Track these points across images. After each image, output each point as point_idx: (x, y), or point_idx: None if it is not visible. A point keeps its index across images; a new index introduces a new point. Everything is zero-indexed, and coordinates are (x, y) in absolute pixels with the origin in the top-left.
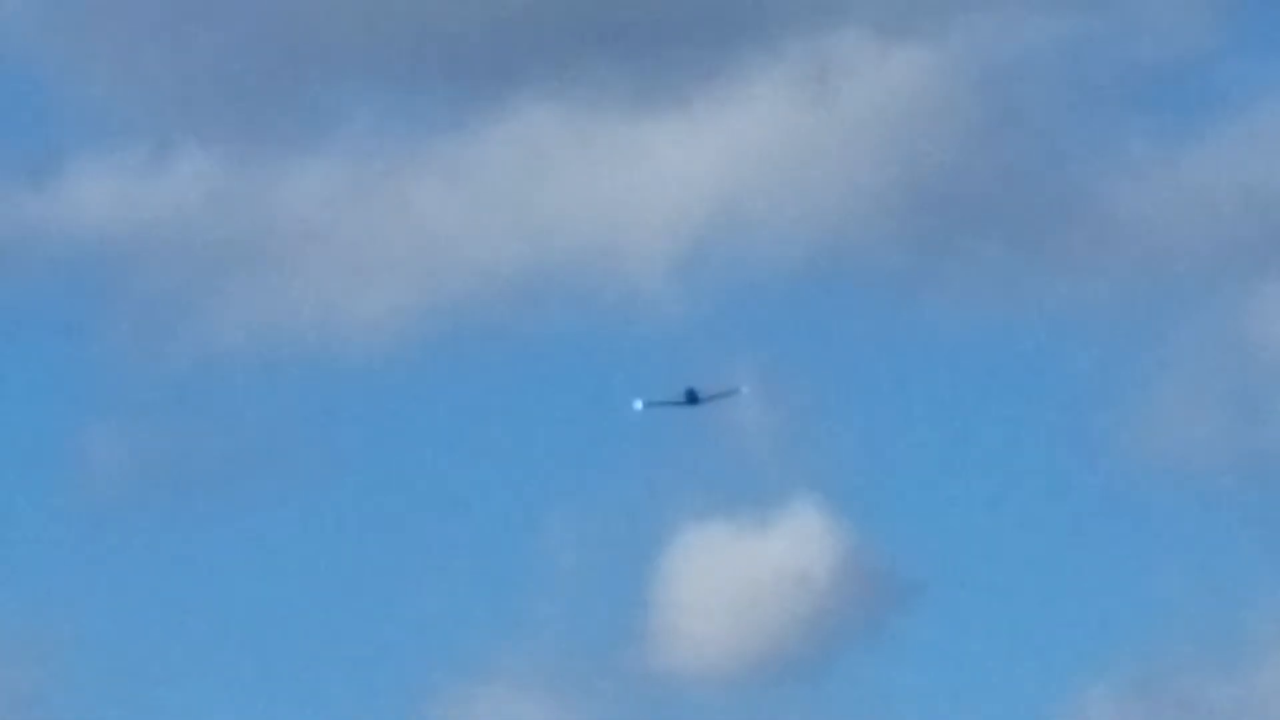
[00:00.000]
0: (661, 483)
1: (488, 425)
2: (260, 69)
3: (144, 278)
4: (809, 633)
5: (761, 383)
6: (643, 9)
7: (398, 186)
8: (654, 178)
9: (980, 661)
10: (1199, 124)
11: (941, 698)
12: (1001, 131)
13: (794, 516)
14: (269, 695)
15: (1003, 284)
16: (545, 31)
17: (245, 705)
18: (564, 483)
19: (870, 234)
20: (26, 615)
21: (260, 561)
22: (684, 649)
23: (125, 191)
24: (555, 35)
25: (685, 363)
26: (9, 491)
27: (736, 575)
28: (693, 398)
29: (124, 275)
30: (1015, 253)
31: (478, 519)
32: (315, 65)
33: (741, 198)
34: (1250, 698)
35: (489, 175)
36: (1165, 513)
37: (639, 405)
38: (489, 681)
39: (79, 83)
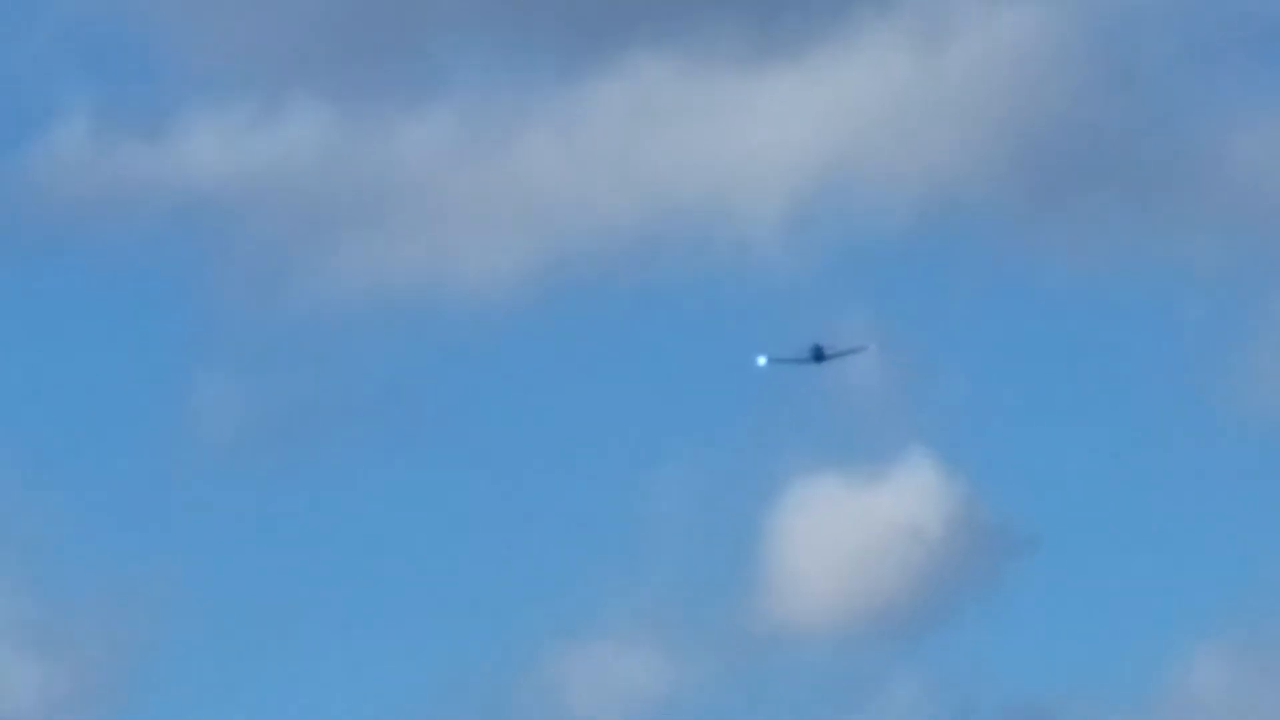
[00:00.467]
0: (775, 437)
1: (598, 377)
2: (371, 24)
3: (256, 229)
4: (921, 587)
5: (874, 337)
6: None
7: (508, 140)
8: (766, 132)
9: (1091, 617)
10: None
11: (1053, 653)
12: (1111, 87)
13: (907, 471)
14: (378, 641)
15: (1114, 238)
16: None
17: (354, 650)
18: (678, 436)
19: (981, 189)
20: (141, 560)
21: (370, 510)
22: (797, 603)
23: (238, 145)
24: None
25: (796, 318)
26: (124, 438)
27: (850, 529)
28: (819, 354)
29: (237, 227)
30: (1126, 207)
31: (592, 470)
32: (426, 20)
33: (853, 153)
34: None
35: (600, 129)
36: (1277, 469)
37: (762, 361)
38: (601, 634)
39: (194, 38)
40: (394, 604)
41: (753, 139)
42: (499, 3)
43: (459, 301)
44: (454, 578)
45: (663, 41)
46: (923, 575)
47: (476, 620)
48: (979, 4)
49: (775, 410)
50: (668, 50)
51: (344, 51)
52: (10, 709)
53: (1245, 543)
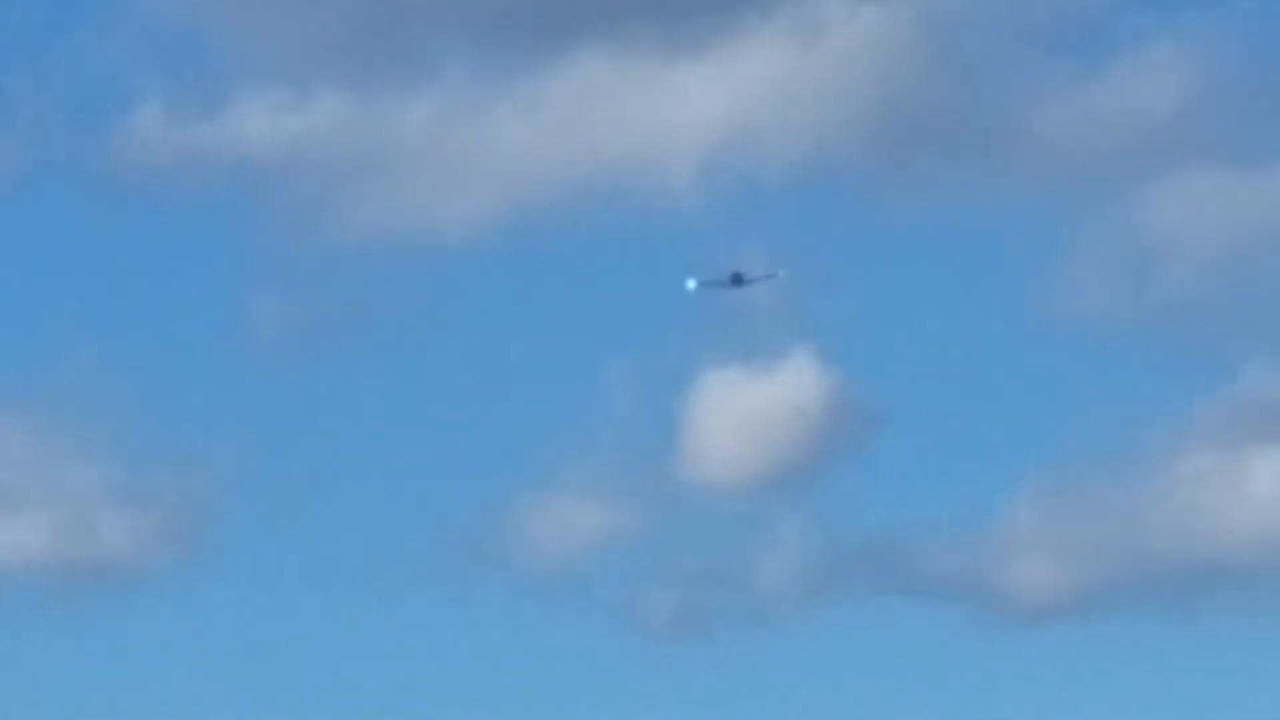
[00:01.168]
0: (695, 339)
1: (557, 295)
2: (378, 26)
3: (292, 185)
4: (803, 452)
5: (769, 264)
6: None
7: (482, 116)
8: (682, 108)
9: (934, 472)
10: (1100, 62)
11: (905, 501)
12: (949, 70)
13: (795, 365)
14: (390, 495)
15: (949, 185)
16: (574, 6)
17: (371, 501)
18: (620, 341)
19: (848, 151)
20: (206, 436)
21: (379, 397)
22: (709, 464)
23: (277, 120)
24: (581, 7)
25: (710, 250)
26: (193, 344)
27: (750, 409)
28: (738, 280)
29: (277, 183)
30: (961, 165)
31: (554, 365)
32: (420, 23)
33: (750, 123)
34: (1143, 497)
35: (553, 107)
36: (1079, 357)
37: (691, 284)
38: (558, 489)
39: (242, 36)
40: (399, 467)
41: (672, 113)
42: (476, 9)
43: (445, 238)
44: (445, 447)
45: (601, 39)
46: (805, 443)
47: (463, 478)
48: (843, 6)
49: (695, 320)
50: (605, 46)
51: (358, 47)
52: (103, 554)
53: (1052, 411)
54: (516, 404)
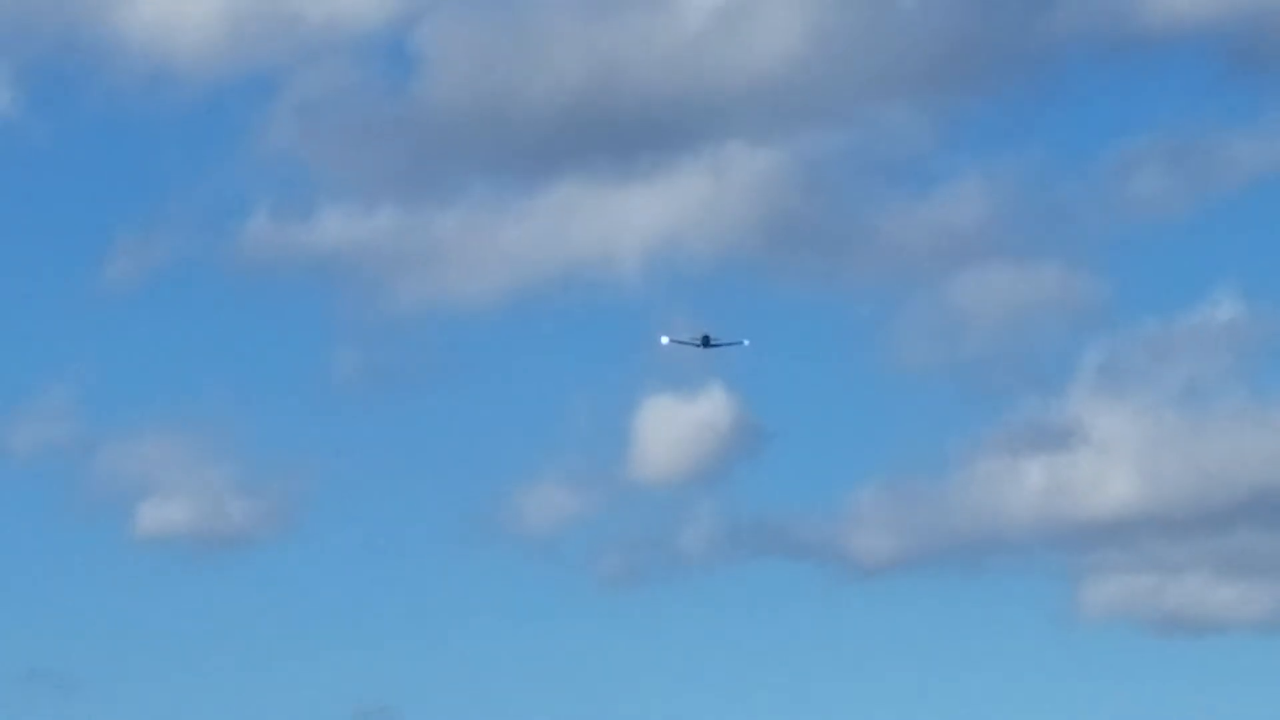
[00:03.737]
0: (640, 375)
1: (543, 349)
2: (421, 158)
3: (362, 272)
4: (713, 456)
5: (694, 329)
6: (612, 133)
7: (494, 223)
8: (630, 219)
9: (805, 471)
10: (925, 188)
11: (785, 491)
12: (819, 193)
13: (709, 394)
14: (424, 486)
15: (819, 276)
16: (559, 143)
17: (411, 493)
18: (585, 378)
19: (749, 250)
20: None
21: (421, 421)
22: (648, 465)
23: (351, 223)
24: (565, 144)
25: (650, 318)
26: (289, 386)
27: (678, 425)
28: (707, 341)
29: (351, 270)
30: (827, 259)
31: (539, 395)
32: (451, 158)
33: (679, 230)
34: (948, 489)
35: (542, 217)
36: (905, 392)
37: (665, 340)
38: (540, 480)
39: (326, 163)
40: (431, 467)
41: (623, 222)
42: (489, 149)
43: (467, 309)
44: (463, 451)
45: (574, 170)
46: (716, 450)
47: (474, 473)
48: (745, 149)
49: (640, 363)
50: (576, 175)
51: (407, 172)
52: (229, 529)
53: (887, 429)
54: (513, 422)
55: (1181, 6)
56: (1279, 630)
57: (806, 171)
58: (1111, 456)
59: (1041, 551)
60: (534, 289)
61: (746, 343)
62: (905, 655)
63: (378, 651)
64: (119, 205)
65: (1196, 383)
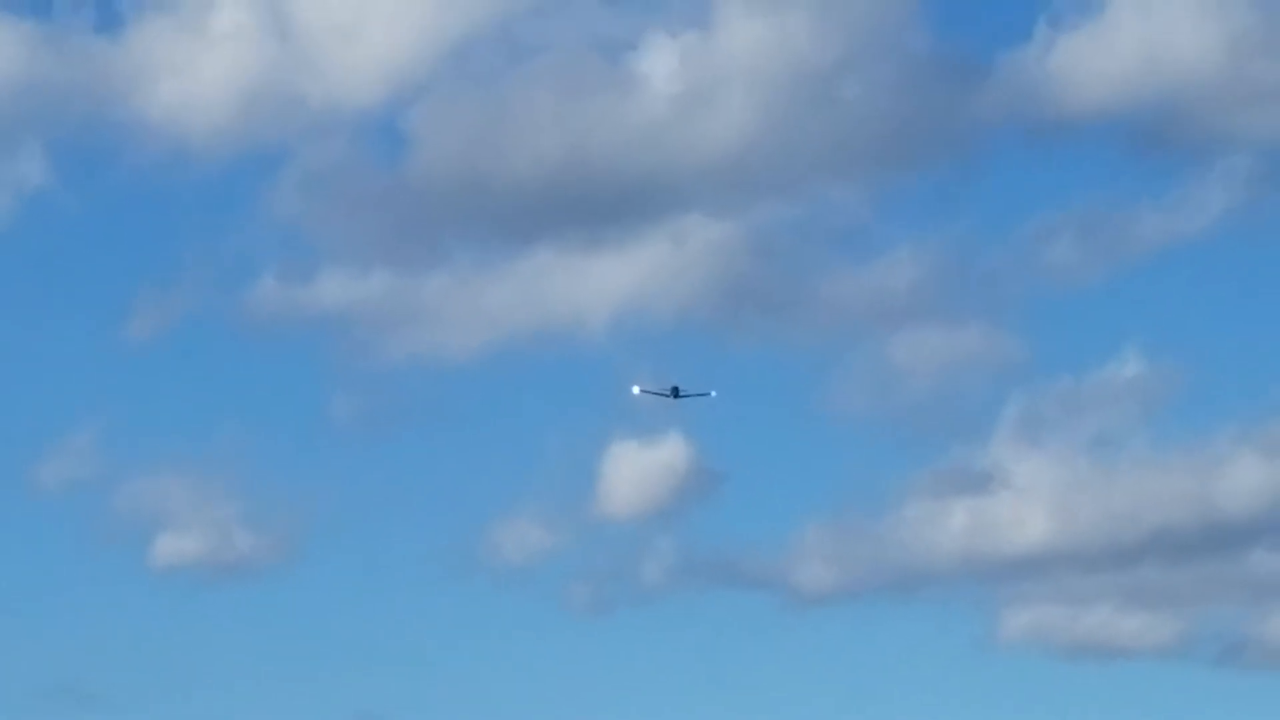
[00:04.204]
0: (607, 425)
1: (521, 398)
2: (412, 226)
3: (358, 328)
4: (672, 495)
5: (658, 382)
6: (583, 206)
7: (478, 285)
8: (600, 283)
9: (755, 510)
10: (864, 255)
11: (737, 528)
12: (769, 259)
13: (669, 441)
14: (411, 521)
15: (771, 334)
16: (536, 214)
17: (399, 527)
18: (559, 424)
19: (705, 312)
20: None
21: (409, 461)
22: (615, 503)
23: (348, 284)
24: (541, 216)
25: (616, 373)
26: (292, 428)
27: (641, 470)
28: (676, 392)
29: (348, 327)
30: (777, 319)
31: (517, 439)
32: (439, 226)
33: (643, 294)
34: (883, 527)
35: (520, 280)
36: (845, 438)
37: (636, 390)
38: (517, 515)
39: (325, 230)
40: (418, 504)
41: (593, 286)
42: (473, 219)
43: (452, 363)
44: (447, 489)
45: (549, 238)
46: (675, 490)
47: (456, 509)
48: (702, 221)
49: (609, 411)
50: (551, 242)
51: (399, 238)
52: (237, 559)
53: (828, 472)
54: (492, 464)
55: (1094, 93)
56: (1177, 656)
57: (758, 241)
58: (1029, 499)
59: (965, 584)
60: (512, 344)
61: (713, 394)
62: (844, 676)
63: (369, 669)
64: (140, 267)
65: (1105, 433)
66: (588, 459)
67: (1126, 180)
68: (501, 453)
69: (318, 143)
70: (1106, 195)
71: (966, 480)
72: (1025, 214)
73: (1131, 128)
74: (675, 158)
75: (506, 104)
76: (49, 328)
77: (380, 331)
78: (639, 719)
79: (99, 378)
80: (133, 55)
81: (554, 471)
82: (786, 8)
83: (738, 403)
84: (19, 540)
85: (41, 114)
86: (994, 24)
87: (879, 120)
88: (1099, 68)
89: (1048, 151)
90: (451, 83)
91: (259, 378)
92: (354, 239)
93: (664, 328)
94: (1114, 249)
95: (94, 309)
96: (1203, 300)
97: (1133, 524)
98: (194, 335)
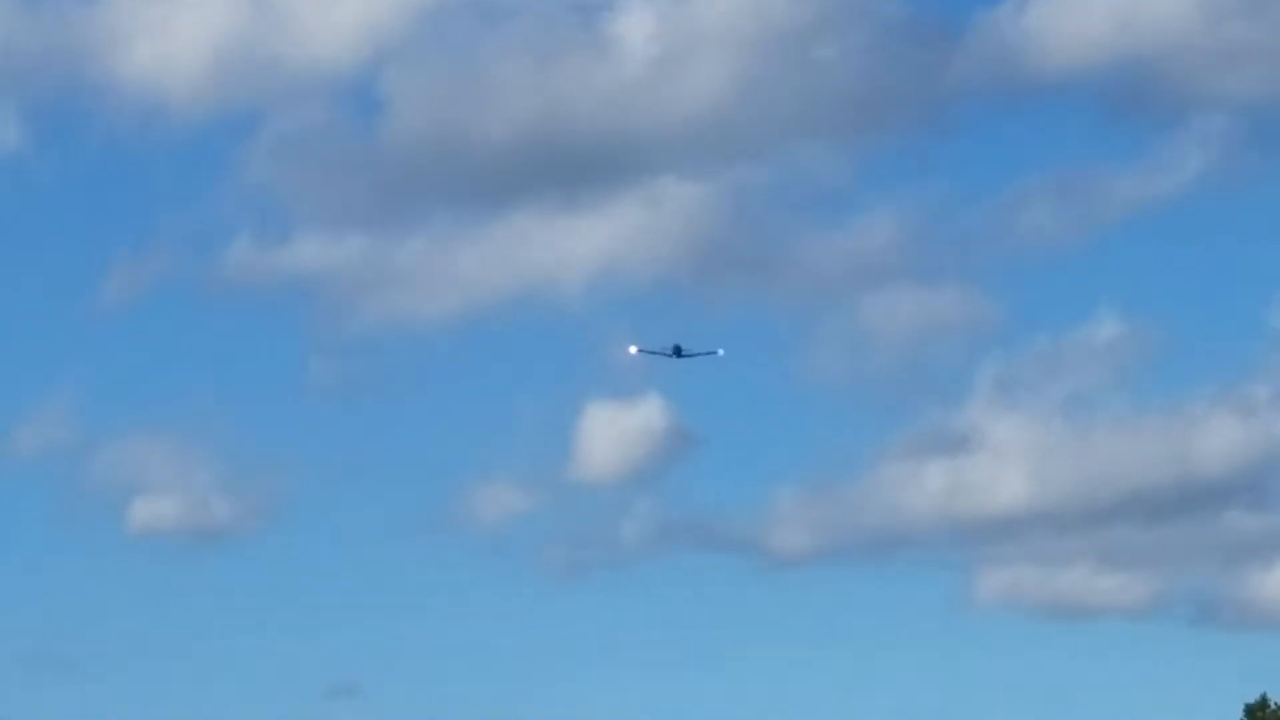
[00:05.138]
0: (583, 386)
1: (498, 360)
2: (387, 189)
3: (334, 291)
4: (651, 459)
5: (633, 336)
6: (558, 169)
7: (453, 249)
8: (575, 245)
9: (732, 473)
10: (838, 218)
11: (714, 491)
12: (743, 222)
13: (647, 402)
14: (389, 483)
15: (746, 296)
16: (511, 177)
17: (378, 490)
18: (535, 386)
19: (680, 274)
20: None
21: (386, 423)
22: (592, 465)
23: (323, 248)
24: (516, 179)
25: (591, 335)
26: (270, 391)
27: (618, 430)
28: (679, 351)
29: (324, 290)
30: (752, 281)
31: (493, 403)
32: (414, 189)
33: (618, 256)
34: (859, 490)
35: (496, 244)
36: (822, 402)
37: (633, 349)
38: (492, 480)
39: (300, 193)
40: (395, 465)
41: (568, 249)
42: (449, 182)
43: (429, 325)
44: (424, 452)
45: (525, 201)
46: (652, 453)
47: (434, 472)
48: (676, 183)
49: (586, 373)
50: (527, 205)
51: (374, 202)
52: (213, 524)
53: (804, 436)
54: (468, 427)
55: (1068, 57)
56: (1152, 616)
57: (733, 203)
58: (1005, 460)
59: (941, 545)
60: (488, 308)
61: (721, 352)
62: (821, 636)
63: (346, 634)
64: (115, 230)
65: (1081, 394)
66: (564, 422)
67: (1102, 142)
68: (478, 416)
69: (293, 106)
70: (1082, 157)
71: (942, 442)
72: (1001, 177)
73: (1106, 90)
74: (651, 120)
75: (482, 67)
76: (24, 291)
77: (356, 295)
78: (615, 681)
79: (74, 341)
80: (107, 18)
81: (531, 434)
82: None
83: (714, 365)
84: None
85: (15, 77)
86: None
87: (854, 83)
88: (1073, 29)
89: (1022, 114)
90: (426, 46)
91: (234, 342)
92: (329, 202)
93: (640, 290)
94: (1089, 211)
95: (69, 271)
96: (1178, 262)
97: (1108, 485)
98: (169, 299)
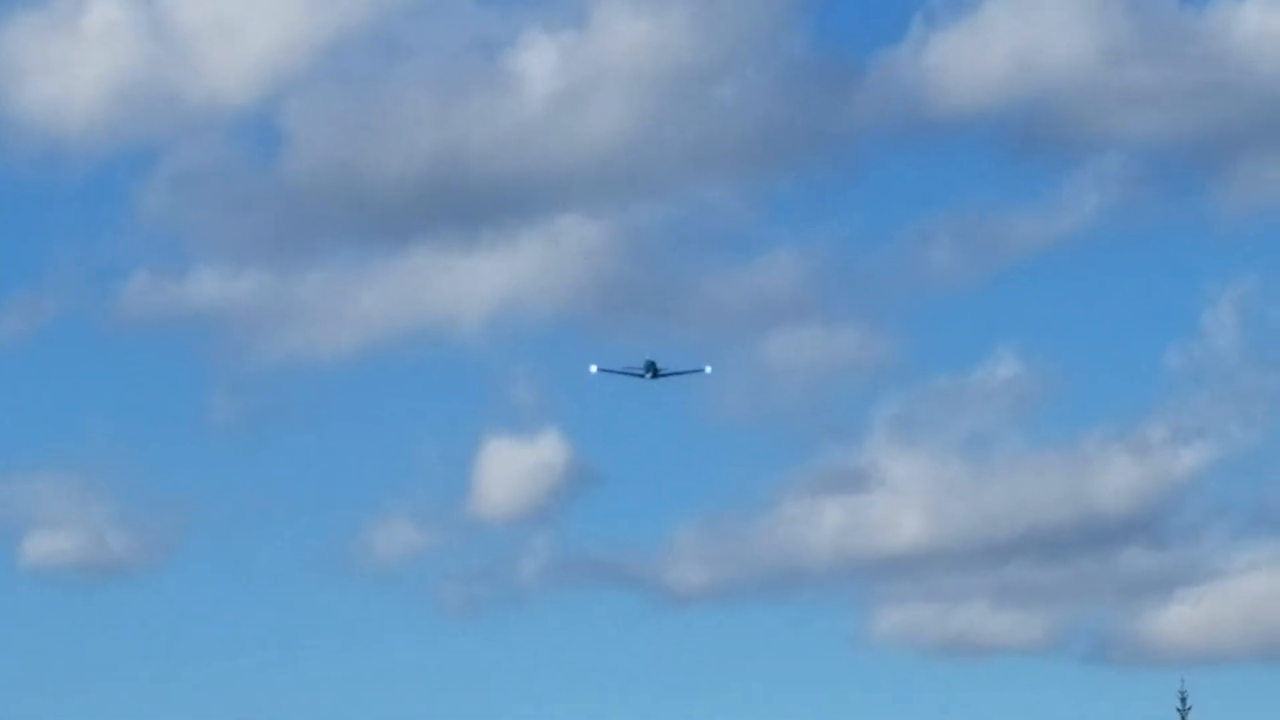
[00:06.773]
0: (482, 421)
1: (397, 396)
2: (289, 225)
3: (234, 327)
4: (552, 491)
5: (533, 374)
6: (459, 206)
7: (354, 285)
8: (475, 283)
9: (631, 510)
10: (741, 257)
11: (613, 528)
12: (643, 261)
13: (546, 438)
14: (286, 522)
15: (646, 335)
16: (411, 214)
17: (274, 528)
18: (432, 422)
19: (579, 312)
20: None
21: (286, 459)
22: (489, 501)
23: (224, 284)
24: (417, 215)
25: (489, 371)
26: (169, 427)
27: (517, 466)
28: (654, 370)
29: (224, 326)
30: (652, 319)
31: (392, 438)
32: (316, 226)
33: (517, 294)
34: (757, 527)
35: (397, 281)
36: (722, 440)
37: (594, 369)
38: (392, 516)
39: (201, 229)
40: (293, 503)
41: (469, 286)
42: (350, 219)
43: (329, 361)
44: (322, 489)
45: (426, 239)
46: (551, 489)
47: (332, 509)
48: (577, 222)
49: (483, 409)
50: (428, 243)
51: (275, 238)
52: (111, 560)
53: (695, 472)
54: (367, 464)
55: (969, 97)
56: (1048, 653)
57: (634, 241)
58: (903, 498)
59: (839, 582)
60: (387, 344)
61: (709, 369)
62: (719, 673)
63: (243, 670)
64: (11, 265)
65: (979, 433)
66: (462, 458)
67: (1001, 181)
68: (376, 453)
69: (192, 141)
70: (981, 197)
71: (841, 480)
72: (902, 216)
73: (1006, 129)
74: (552, 157)
75: (383, 103)
76: None
77: (255, 331)
78: (514, 717)
79: None
80: (2, 53)
81: (429, 471)
82: (664, 7)
83: (614, 402)
84: None
85: None
86: (870, 24)
87: (756, 121)
88: (973, 69)
89: (923, 153)
90: (327, 81)
91: (132, 377)
92: (228, 238)
93: (541, 328)
94: (989, 250)
95: None
96: (1077, 301)
97: (1006, 523)
98: (67, 334)
